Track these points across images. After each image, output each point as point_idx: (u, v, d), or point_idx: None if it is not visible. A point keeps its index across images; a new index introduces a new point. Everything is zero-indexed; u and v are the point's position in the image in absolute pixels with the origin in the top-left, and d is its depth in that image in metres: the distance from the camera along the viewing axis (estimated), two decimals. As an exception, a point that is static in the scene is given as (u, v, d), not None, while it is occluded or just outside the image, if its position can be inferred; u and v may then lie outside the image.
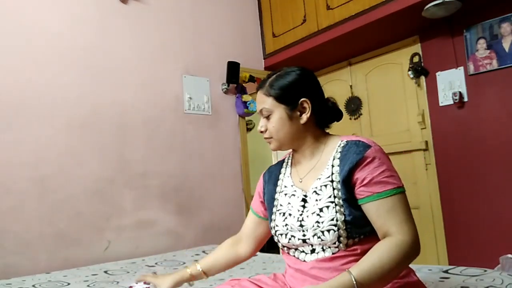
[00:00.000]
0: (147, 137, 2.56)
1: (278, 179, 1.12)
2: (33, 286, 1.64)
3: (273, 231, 1.04)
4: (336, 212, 0.91)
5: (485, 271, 1.39)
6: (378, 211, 0.89)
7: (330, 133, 1.09)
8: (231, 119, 3.06)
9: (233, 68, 3.00)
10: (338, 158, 0.98)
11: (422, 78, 2.75)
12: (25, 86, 2.15)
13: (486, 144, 2.43)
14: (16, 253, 1.99)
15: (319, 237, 0.93)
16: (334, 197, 0.93)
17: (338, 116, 1.10)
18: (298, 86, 1.04)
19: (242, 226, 1.21)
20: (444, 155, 2.64)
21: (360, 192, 0.92)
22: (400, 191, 0.91)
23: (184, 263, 2.04)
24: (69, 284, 1.67)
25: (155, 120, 2.62)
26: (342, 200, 0.92)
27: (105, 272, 1.89)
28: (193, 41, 2.90)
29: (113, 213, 2.35)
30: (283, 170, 1.13)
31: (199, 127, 2.84)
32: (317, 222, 0.93)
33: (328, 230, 0.91)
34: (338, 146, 1.00)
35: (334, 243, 0.92)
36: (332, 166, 0.98)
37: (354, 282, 0.80)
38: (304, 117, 1.02)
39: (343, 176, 0.94)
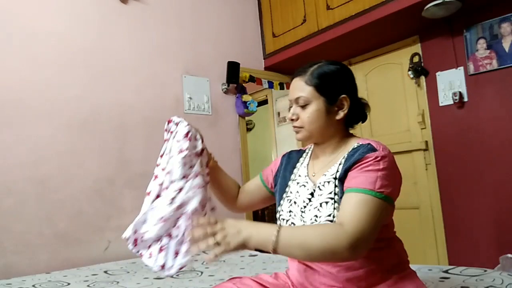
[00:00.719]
0: (147, 137, 2.56)
1: (294, 167, 1.13)
2: (33, 286, 1.64)
3: (277, 215, 1.07)
4: (334, 208, 0.92)
5: (485, 271, 1.40)
6: (346, 201, 0.88)
7: (353, 133, 1.10)
8: (231, 119, 3.06)
9: (233, 68, 3.00)
10: (346, 158, 0.98)
11: (422, 78, 2.75)
12: (25, 86, 2.15)
13: (486, 144, 2.43)
14: (16, 253, 1.99)
15: (315, 208, 0.95)
16: (335, 194, 0.94)
17: (364, 118, 1.10)
18: (341, 81, 1.04)
19: (246, 183, 1.28)
20: (444, 155, 2.64)
21: (344, 187, 0.93)
22: (373, 194, 0.87)
23: (184, 263, 2.04)
24: (69, 284, 1.67)
25: (155, 120, 2.61)
26: (339, 198, 0.93)
27: (105, 272, 1.89)
28: (193, 41, 2.90)
29: (113, 213, 2.35)
30: (301, 159, 1.14)
31: (199, 127, 2.80)
32: (316, 216, 0.94)
33: (326, 202, 0.94)
34: (352, 148, 1.00)
35: (329, 216, 0.93)
36: (339, 164, 0.99)
37: (274, 238, 0.82)
38: (341, 113, 1.02)
39: (340, 174, 0.95)
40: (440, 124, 2.66)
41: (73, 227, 2.19)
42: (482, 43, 2.44)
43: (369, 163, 0.91)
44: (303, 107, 1.03)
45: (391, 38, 2.87)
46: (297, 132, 1.06)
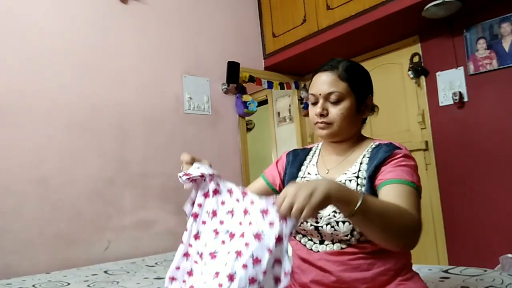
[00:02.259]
0: (147, 137, 2.56)
1: (302, 165, 1.12)
2: (33, 286, 1.64)
3: None
4: None
5: (485, 271, 1.39)
6: (390, 191, 0.89)
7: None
8: (231, 119, 3.06)
9: (233, 68, 3.00)
10: (368, 157, 0.99)
11: (422, 78, 2.75)
12: (25, 86, 2.15)
13: (486, 144, 2.43)
14: (16, 253, 1.99)
15: (332, 227, 0.93)
16: (356, 192, 0.94)
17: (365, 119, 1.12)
18: (369, 80, 1.07)
19: (247, 187, 1.19)
20: (444, 155, 2.64)
21: (378, 181, 0.93)
22: (415, 186, 0.91)
23: (184, 263, 2.04)
24: (69, 284, 1.67)
25: (155, 120, 2.62)
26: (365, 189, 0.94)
27: (105, 272, 1.89)
28: (193, 41, 2.90)
29: (113, 213, 2.35)
30: (309, 157, 1.14)
31: (199, 127, 2.84)
32: (334, 211, 0.94)
33: (343, 222, 0.92)
34: (370, 147, 1.02)
35: (346, 236, 0.92)
36: (361, 163, 0.99)
37: (360, 201, 0.76)
38: (367, 113, 1.05)
39: (369, 171, 0.95)
40: (440, 124, 2.66)
41: (73, 227, 2.19)
42: (482, 43, 2.44)
43: (401, 159, 0.95)
44: (335, 103, 1.00)
45: (391, 38, 2.87)
46: (322, 129, 1.02)
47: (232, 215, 0.88)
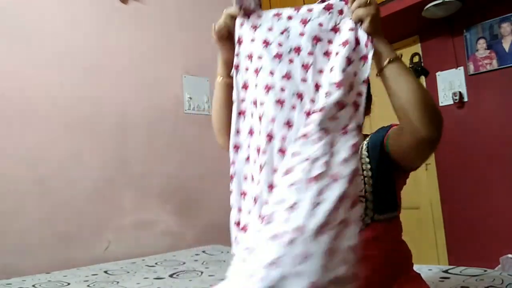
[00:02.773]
0: (147, 137, 2.56)
1: None
2: (33, 286, 1.64)
3: None
4: (365, 183, 0.93)
5: (485, 271, 1.39)
6: (397, 128, 0.91)
7: None
8: (231, 119, 3.05)
9: (233, 68, 3.00)
10: (367, 141, 0.99)
11: (422, 78, 2.75)
12: (25, 86, 2.14)
13: (486, 144, 2.43)
14: (16, 253, 1.99)
15: None
16: (363, 170, 0.95)
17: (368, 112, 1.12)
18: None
19: None
20: (444, 155, 2.64)
21: (386, 137, 0.93)
22: None
23: (184, 263, 2.04)
24: (69, 284, 1.67)
25: (155, 120, 2.61)
26: (372, 172, 0.94)
27: (105, 272, 1.89)
28: (193, 41, 2.90)
29: (113, 213, 2.35)
30: None
31: (199, 127, 2.83)
32: None
33: None
34: (367, 136, 1.02)
35: (360, 215, 0.91)
36: (361, 148, 0.99)
37: (398, 55, 0.82)
38: (369, 112, 1.06)
39: (377, 149, 0.94)
40: (440, 124, 2.66)
41: (73, 227, 2.19)
42: (482, 43, 2.44)
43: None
44: None
45: (391, 38, 2.87)
46: None
47: (288, 33, 0.82)
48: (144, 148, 2.53)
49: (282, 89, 0.76)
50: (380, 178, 0.94)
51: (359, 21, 0.79)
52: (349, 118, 0.74)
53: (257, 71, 0.80)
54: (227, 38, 0.91)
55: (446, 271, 1.44)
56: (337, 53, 0.77)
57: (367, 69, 0.78)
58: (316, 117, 0.71)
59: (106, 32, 2.48)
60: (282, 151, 0.72)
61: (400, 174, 0.99)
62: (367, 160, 0.96)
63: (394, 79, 0.82)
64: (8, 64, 2.11)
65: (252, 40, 0.83)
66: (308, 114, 0.73)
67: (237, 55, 0.87)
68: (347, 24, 0.79)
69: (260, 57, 0.80)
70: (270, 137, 0.74)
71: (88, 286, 1.63)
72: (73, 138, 2.27)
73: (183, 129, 2.74)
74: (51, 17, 2.28)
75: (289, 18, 0.82)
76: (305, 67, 0.77)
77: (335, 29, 0.80)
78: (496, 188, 2.38)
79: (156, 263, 2.06)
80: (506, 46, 2.35)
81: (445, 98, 2.62)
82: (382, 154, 0.93)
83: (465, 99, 2.53)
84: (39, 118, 2.17)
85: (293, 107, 0.74)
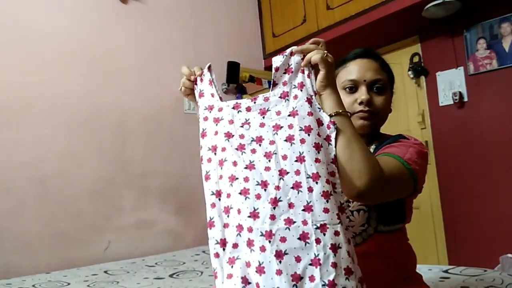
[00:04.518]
0: (147, 137, 2.56)
1: None
2: (33, 286, 1.64)
3: None
4: None
5: (485, 271, 1.40)
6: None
7: None
8: (231, 119, 3.05)
9: (233, 68, 2.99)
10: (378, 145, 0.98)
11: (422, 78, 2.75)
12: (25, 86, 2.15)
13: (486, 144, 2.43)
14: (16, 253, 1.99)
15: (347, 217, 0.90)
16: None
17: None
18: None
19: None
20: (444, 155, 2.64)
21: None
22: (405, 165, 0.85)
23: (184, 263, 2.04)
24: (69, 284, 1.67)
25: (155, 120, 2.61)
26: None
27: (105, 272, 1.89)
28: (193, 41, 2.90)
29: (113, 213, 2.35)
30: None
31: (199, 127, 2.83)
32: (347, 201, 0.91)
33: (358, 210, 0.90)
34: (385, 139, 1.00)
35: (363, 225, 0.90)
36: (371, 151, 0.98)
37: (340, 109, 0.80)
38: (391, 110, 1.02)
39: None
40: (440, 124, 2.66)
41: (73, 227, 2.19)
42: (482, 43, 2.44)
43: (403, 143, 0.92)
44: (380, 92, 0.96)
45: (391, 38, 2.87)
46: (366, 119, 0.95)
47: (248, 125, 0.83)
48: (144, 148, 2.53)
49: (246, 179, 0.77)
50: None
51: (313, 65, 0.81)
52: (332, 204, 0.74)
53: (221, 163, 0.81)
54: (193, 93, 0.95)
55: (446, 271, 1.44)
56: (302, 140, 0.77)
57: (333, 150, 0.78)
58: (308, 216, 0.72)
59: (106, 32, 2.48)
60: (249, 242, 0.73)
61: None
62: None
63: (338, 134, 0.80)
64: (8, 64, 2.11)
65: (216, 133, 0.85)
66: (274, 202, 0.73)
67: (198, 108, 0.93)
68: (304, 108, 0.80)
69: (223, 149, 0.82)
70: (240, 228, 0.75)
71: (88, 286, 1.63)
72: (73, 138, 2.27)
73: (183, 128, 2.74)
74: (50, 17, 2.28)
75: (248, 109, 0.84)
76: (268, 155, 0.78)
77: (293, 114, 0.80)
78: (496, 188, 2.38)
79: (156, 263, 2.06)
80: (506, 46, 2.35)
81: (445, 98, 2.62)
82: None
83: (465, 99, 2.53)
84: (39, 118, 2.17)
85: (258, 197, 0.75)
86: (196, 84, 0.98)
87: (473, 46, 2.47)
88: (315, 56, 0.79)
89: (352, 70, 0.97)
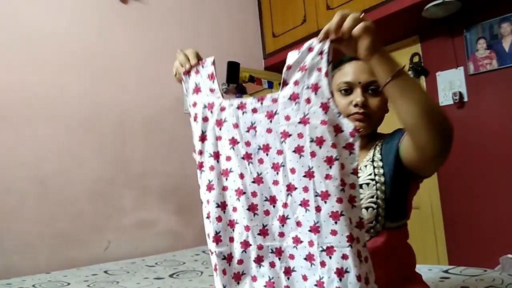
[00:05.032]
0: (147, 137, 2.56)
1: None
2: (33, 286, 1.64)
3: None
4: (377, 189, 0.90)
5: (485, 271, 1.40)
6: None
7: None
8: (231, 119, 3.05)
9: (233, 68, 2.99)
10: (381, 143, 0.97)
11: (422, 78, 2.75)
12: (25, 86, 2.15)
13: (486, 144, 2.43)
14: (16, 253, 1.99)
15: None
16: (375, 175, 0.92)
17: None
18: None
19: None
20: (444, 155, 2.63)
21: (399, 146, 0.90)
22: None
23: (184, 263, 2.04)
24: (69, 284, 1.67)
25: (155, 120, 2.61)
26: (385, 178, 0.90)
27: (105, 272, 1.89)
28: (193, 41, 2.89)
29: (113, 213, 2.35)
30: None
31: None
32: None
33: (367, 208, 0.90)
34: (386, 135, 0.99)
35: (371, 223, 0.90)
36: (374, 148, 0.97)
37: (401, 67, 0.75)
38: (387, 111, 1.00)
39: (393, 153, 0.91)
40: (440, 124, 2.66)
41: (73, 227, 2.19)
42: (482, 43, 2.44)
43: None
44: (375, 94, 0.95)
45: (391, 38, 2.87)
46: (361, 120, 0.95)
47: (254, 130, 0.76)
48: (144, 148, 2.53)
49: (254, 194, 0.73)
50: (394, 185, 0.91)
51: (354, 42, 0.75)
52: (347, 226, 0.69)
53: (226, 173, 0.77)
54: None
55: (446, 271, 1.44)
56: (312, 153, 0.70)
57: (355, 160, 0.72)
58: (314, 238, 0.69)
59: (106, 32, 2.48)
60: (258, 259, 0.73)
61: (414, 180, 0.97)
62: (380, 164, 0.93)
63: (399, 97, 0.77)
64: (8, 64, 2.11)
65: (219, 139, 0.79)
66: (282, 220, 0.71)
67: (194, 105, 0.85)
68: (317, 115, 0.71)
69: (228, 158, 0.77)
70: (246, 244, 0.74)
71: (88, 286, 1.63)
72: (73, 138, 2.27)
73: (183, 128, 2.74)
74: (50, 17, 2.28)
75: (254, 111, 0.77)
76: (276, 167, 0.73)
77: (304, 121, 0.72)
78: (496, 188, 2.38)
79: (156, 263, 2.06)
80: (506, 46, 2.35)
81: (445, 98, 2.62)
82: (396, 159, 0.90)
83: (465, 99, 2.52)
84: (39, 118, 2.17)
85: (266, 213, 0.73)
86: (189, 75, 0.89)
87: (473, 46, 2.47)
88: (357, 27, 0.73)
89: (347, 72, 0.98)
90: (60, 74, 2.27)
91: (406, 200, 0.96)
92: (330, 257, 0.67)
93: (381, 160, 0.93)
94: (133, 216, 2.42)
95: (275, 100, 0.77)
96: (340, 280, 0.66)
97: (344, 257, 0.67)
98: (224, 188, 0.77)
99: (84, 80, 2.36)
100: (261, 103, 0.77)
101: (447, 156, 0.82)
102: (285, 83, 0.77)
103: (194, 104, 0.87)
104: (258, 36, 3.38)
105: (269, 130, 0.75)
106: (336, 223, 0.68)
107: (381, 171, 0.92)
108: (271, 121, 0.75)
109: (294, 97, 0.75)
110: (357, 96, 0.95)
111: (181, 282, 1.65)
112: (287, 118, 0.74)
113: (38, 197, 2.11)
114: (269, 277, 0.71)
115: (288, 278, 0.69)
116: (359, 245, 0.70)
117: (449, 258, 2.57)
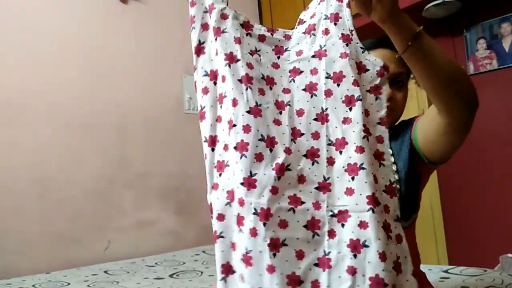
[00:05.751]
0: (147, 137, 2.56)
1: None
2: (33, 286, 1.64)
3: None
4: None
5: (485, 271, 1.40)
6: (426, 115, 0.83)
7: None
8: (231, 119, 3.05)
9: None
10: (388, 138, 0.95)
11: (422, 78, 2.75)
12: (25, 86, 2.14)
13: (486, 144, 2.43)
14: (16, 253, 1.99)
15: None
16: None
17: None
18: None
19: None
20: (444, 155, 2.64)
21: (417, 128, 0.85)
22: None
23: (184, 263, 2.04)
24: (69, 284, 1.67)
25: (155, 120, 2.61)
26: (399, 175, 0.84)
27: (105, 272, 1.89)
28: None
29: (113, 213, 2.35)
30: None
31: (199, 127, 2.83)
32: None
33: None
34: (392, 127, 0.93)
35: None
36: None
37: (419, 32, 0.66)
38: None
39: (399, 142, 0.85)
40: (440, 124, 2.66)
41: (73, 227, 2.19)
42: (482, 43, 2.44)
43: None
44: (401, 86, 0.88)
45: (391, 38, 2.87)
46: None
47: (259, 56, 0.61)
48: (144, 148, 2.53)
49: (246, 129, 0.53)
50: (408, 182, 0.85)
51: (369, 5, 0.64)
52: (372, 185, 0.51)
53: (221, 99, 0.59)
54: None
55: (446, 271, 1.44)
56: (327, 92, 0.56)
57: (382, 105, 0.60)
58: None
59: (106, 31, 2.48)
60: (239, 219, 0.53)
61: (428, 170, 0.91)
62: (392, 160, 0.85)
63: (423, 58, 0.69)
64: (8, 64, 2.11)
65: (216, 53, 0.61)
66: (280, 170, 0.51)
67: (192, 4, 0.67)
68: (337, 47, 0.58)
69: (223, 78, 0.59)
70: (231, 195, 0.54)
71: (88, 286, 1.63)
72: (73, 138, 2.27)
73: (183, 128, 2.74)
74: (50, 17, 2.28)
75: (261, 38, 0.63)
76: (280, 106, 0.56)
77: (320, 54, 0.58)
78: (496, 188, 2.38)
79: (156, 263, 2.06)
80: (506, 46, 2.35)
81: (445, 98, 2.62)
82: (410, 152, 0.84)
83: (465, 99, 2.52)
84: (39, 118, 2.17)
85: (258, 158, 0.52)
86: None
87: (473, 46, 2.48)
88: None
89: None
90: (60, 74, 2.27)
91: (417, 195, 0.93)
92: (343, 225, 0.49)
93: (391, 154, 0.85)
94: (133, 216, 2.42)
95: (288, 37, 0.64)
96: (355, 256, 0.47)
97: (362, 225, 0.48)
98: (218, 119, 0.59)
99: (84, 80, 2.36)
100: (272, 35, 0.64)
101: (470, 125, 0.79)
102: (301, 22, 0.65)
103: (192, 4, 0.69)
104: (258, 36, 3.38)
105: (275, 65, 0.60)
106: (353, 178, 0.51)
107: (394, 168, 0.84)
108: (278, 57, 0.61)
109: (309, 30, 0.61)
110: None
111: (181, 282, 1.65)
112: (299, 53, 0.60)
113: (38, 197, 2.10)
114: (246, 248, 0.49)
115: (275, 255, 0.48)
116: (388, 216, 0.52)
117: (449, 258, 2.57)
